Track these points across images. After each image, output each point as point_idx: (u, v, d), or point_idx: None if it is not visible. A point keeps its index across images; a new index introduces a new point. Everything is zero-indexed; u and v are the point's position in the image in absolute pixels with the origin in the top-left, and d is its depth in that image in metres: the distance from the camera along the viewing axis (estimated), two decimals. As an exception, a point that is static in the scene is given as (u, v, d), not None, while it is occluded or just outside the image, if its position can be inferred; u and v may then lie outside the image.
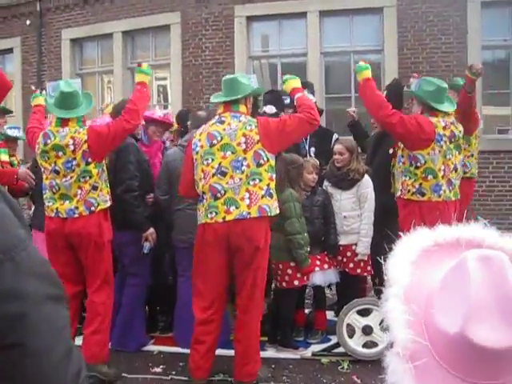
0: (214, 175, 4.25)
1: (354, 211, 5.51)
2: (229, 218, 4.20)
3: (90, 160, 4.52)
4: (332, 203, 5.55)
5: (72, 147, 4.49)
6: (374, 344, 5.01)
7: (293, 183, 5.22)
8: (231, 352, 4.63)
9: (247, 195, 4.23)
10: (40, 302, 1.03)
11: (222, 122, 4.37)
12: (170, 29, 11.45)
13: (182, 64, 11.33)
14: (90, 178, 4.54)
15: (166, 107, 11.84)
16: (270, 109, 6.01)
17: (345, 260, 5.51)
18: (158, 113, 5.88)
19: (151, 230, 5.19)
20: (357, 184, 5.51)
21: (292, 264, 5.16)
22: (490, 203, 9.71)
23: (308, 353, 5.29)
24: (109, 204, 4.71)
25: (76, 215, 4.51)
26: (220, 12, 11.02)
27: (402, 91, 6.23)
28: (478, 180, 9.47)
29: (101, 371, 4.58)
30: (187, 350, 5.24)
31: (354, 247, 5.47)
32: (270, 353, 5.28)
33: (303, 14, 10.55)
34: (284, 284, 5.24)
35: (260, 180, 4.27)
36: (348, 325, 5.03)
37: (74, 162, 4.50)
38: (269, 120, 4.46)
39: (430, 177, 4.75)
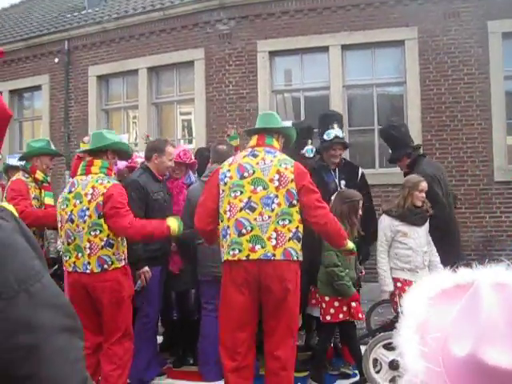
0: (241, 209, 4.03)
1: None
2: (253, 256, 3.98)
3: (101, 213, 4.35)
4: (405, 242, 5.47)
5: (90, 197, 4.36)
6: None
7: (343, 218, 5.04)
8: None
9: (274, 235, 4.00)
10: (54, 334, 1.02)
11: (255, 156, 4.20)
12: (194, 64, 11.63)
13: (206, 99, 11.47)
14: (101, 232, 4.35)
15: (190, 141, 11.98)
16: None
17: None
18: (178, 150, 5.89)
19: (145, 268, 5.07)
20: (428, 218, 5.55)
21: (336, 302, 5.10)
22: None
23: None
24: (124, 263, 4.52)
25: (88, 271, 4.34)
26: (243, 47, 11.19)
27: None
28: (505, 210, 9.40)
29: None
30: (211, 384, 5.25)
31: None
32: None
33: (325, 48, 10.66)
34: (328, 317, 5.10)
35: (290, 221, 4.05)
36: (374, 359, 4.96)
37: (87, 212, 4.34)
38: (306, 171, 4.28)
39: None
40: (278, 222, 4.01)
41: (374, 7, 10.38)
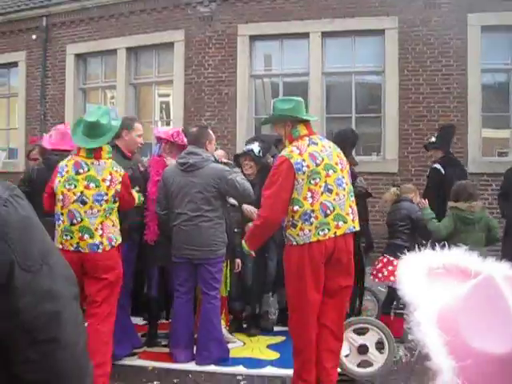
0: (322, 193, 4.33)
1: None
2: (339, 232, 4.33)
3: (116, 199, 4.64)
4: None
5: (108, 183, 4.57)
6: (368, 364, 4.99)
7: None
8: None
9: (350, 210, 4.43)
10: (69, 301, 1.18)
11: (316, 144, 4.47)
12: (174, 46, 11.56)
13: (185, 81, 11.43)
14: (111, 214, 4.63)
15: (168, 123, 11.92)
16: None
17: None
18: (172, 130, 5.91)
19: None
20: None
21: None
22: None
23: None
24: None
25: (100, 250, 4.51)
26: (223, 31, 11.14)
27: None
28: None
29: None
30: (181, 366, 5.28)
31: None
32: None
33: (306, 35, 10.66)
34: None
35: (354, 196, 4.57)
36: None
37: (105, 197, 4.55)
38: None
39: None
40: (349, 199, 4.47)
41: (355, -5, 10.40)
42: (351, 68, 10.72)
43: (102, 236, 4.53)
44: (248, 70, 11.07)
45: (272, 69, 11.47)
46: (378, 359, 4.89)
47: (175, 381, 5.03)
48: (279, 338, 6.07)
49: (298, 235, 4.36)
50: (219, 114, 11.12)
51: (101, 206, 4.53)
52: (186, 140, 5.85)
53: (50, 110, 12.89)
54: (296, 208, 4.35)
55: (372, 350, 4.92)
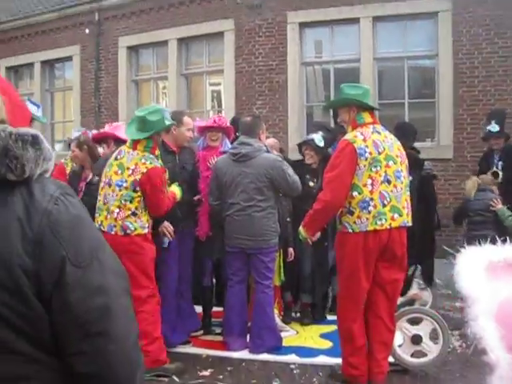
0: (382, 183, 4.32)
1: None
2: (394, 224, 4.31)
3: (137, 189, 4.71)
4: None
5: (130, 171, 4.72)
6: (421, 354, 4.93)
7: None
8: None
9: (405, 204, 4.42)
10: (119, 295, 1.21)
11: (379, 133, 4.46)
12: (224, 35, 11.59)
13: (236, 70, 11.44)
14: (131, 202, 4.71)
15: (219, 112, 11.97)
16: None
17: None
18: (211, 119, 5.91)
19: (164, 223, 5.11)
20: None
21: None
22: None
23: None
24: (146, 230, 4.79)
25: (113, 232, 4.67)
26: (273, 18, 11.08)
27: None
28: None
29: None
30: (235, 354, 5.33)
31: None
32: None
33: (356, 20, 10.50)
34: None
35: (408, 191, 4.50)
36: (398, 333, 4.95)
37: (125, 184, 4.71)
38: None
39: None
40: (405, 193, 4.44)
41: (407, -22, 10.16)
42: (403, 52, 10.48)
43: (116, 219, 4.70)
44: (298, 58, 10.99)
45: (322, 56, 11.35)
46: (432, 349, 4.83)
47: (229, 369, 5.09)
48: (332, 327, 6.05)
49: (354, 223, 4.32)
50: (270, 102, 11.11)
51: (120, 191, 4.72)
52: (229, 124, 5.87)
53: (104, 102, 13.14)
54: (355, 194, 4.30)
55: (426, 340, 4.86)
